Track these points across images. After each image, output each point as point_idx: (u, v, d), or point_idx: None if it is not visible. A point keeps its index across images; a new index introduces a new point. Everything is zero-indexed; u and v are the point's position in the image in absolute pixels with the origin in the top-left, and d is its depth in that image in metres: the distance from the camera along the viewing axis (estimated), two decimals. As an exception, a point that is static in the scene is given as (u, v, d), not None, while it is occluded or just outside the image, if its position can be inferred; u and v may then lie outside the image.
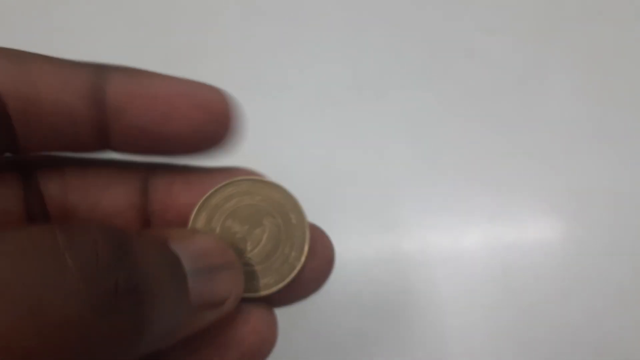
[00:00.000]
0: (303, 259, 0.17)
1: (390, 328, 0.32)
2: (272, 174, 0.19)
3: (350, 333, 0.31)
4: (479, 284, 0.32)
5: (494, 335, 0.31)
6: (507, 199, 0.34)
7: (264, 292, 0.17)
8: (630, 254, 0.32)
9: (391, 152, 0.35)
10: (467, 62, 0.37)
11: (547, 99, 0.36)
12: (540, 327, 0.31)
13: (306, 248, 0.17)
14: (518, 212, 0.34)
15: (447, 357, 0.31)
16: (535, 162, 0.35)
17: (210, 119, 0.17)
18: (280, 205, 0.17)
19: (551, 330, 0.31)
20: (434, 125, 0.36)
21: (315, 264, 0.17)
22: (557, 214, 0.34)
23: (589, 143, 0.35)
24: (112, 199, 0.18)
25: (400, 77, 0.37)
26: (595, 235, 0.33)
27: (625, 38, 0.37)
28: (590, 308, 0.31)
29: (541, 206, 0.34)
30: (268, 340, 0.17)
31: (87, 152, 0.17)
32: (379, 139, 0.36)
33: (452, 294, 0.32)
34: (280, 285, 0.17)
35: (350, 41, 0.38)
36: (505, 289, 0.32)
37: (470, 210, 0.34)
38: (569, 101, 0.36)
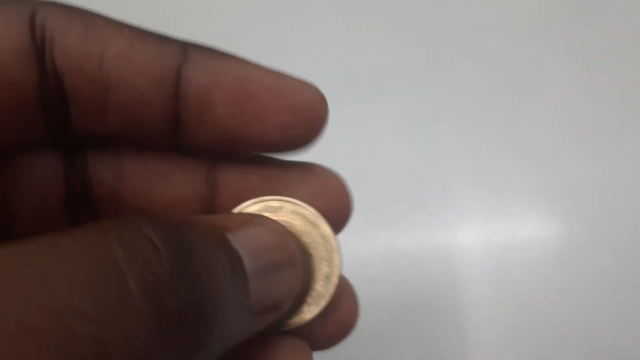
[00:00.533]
0: (334, 281, 0.15)
1: (385, 325, 0.32)
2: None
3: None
4: (474, 281, 0.32)
5: (489, 332, 0.31)
6: (503, 197, 0.34)
7: (298, 322, 0.15)
8: (625, 251, 0.33)
9: (387, 150, 0.35)
10: (463, 61, 0.37)
11: (542, 98, 0.36)
12: (535, 324, 0.31)
13: (335, 278, 0.15)
14: (513, 210, 0.34)
15: (443, 353, 0.31)
16: (531, 160, 0.35)
17: (304, 124, 0.15)
18: (317, 243, 0.15)
19: (546, 327, 0.31)
20: (430, 123, 0.36)
21: (339, 317, 0.16)
22: (553, 212, 0.34)
23: (584, 141, 0.35)
24: (174, 187, 0.16)
25: (396, 76, 0.37)
26: (590, 233, 0.33)
27: (621, 36, 0.37)
28: (585, 305, 0.32)
29: (536, 204, 0.34)
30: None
31: (153, 148, 0.15)
32: (375, 137, 0.36)
33: (447, 291, 0.32)
34: (313, 314, 0.15)
35: (345, 40, 0.38)
36: (501, 286, 0.32)
37: (465, 207, 0.34)
38: (565, 99, 0.36)
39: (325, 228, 0.15)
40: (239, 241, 0.12)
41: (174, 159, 0.15)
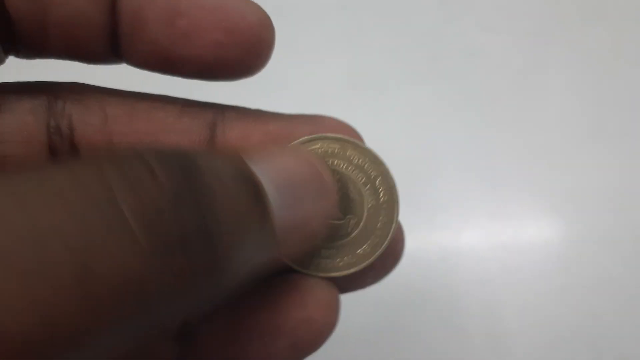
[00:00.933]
0: (386, 243, 0.15)
1: (388, 324, 0.32)
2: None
3: (349, 329, 0.31)
4: (478, 283, 0.32)
5: (492, 333, 0.31)
6: (506, 198, 0.34)
7: (336, 273, 0.15)
8: (629, 253, 0.32)
9: (389, 150, 0.35)
10: (467, 61, 0.37)
11: (546, 98, 0.36)
12: (538, 325, 0.31)
13: (391, 232, 0.15)
14: (517, 211, 0.34)
15: (445, 353, 0.31)
16: (534, 161, 0.35)
17: (240, 45, 0.14)
18: (369, 177, 0.15)
19: (549, 328, 0.31)
20: (433, 123, 0.36)
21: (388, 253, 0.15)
22: (556, 212, 0.34)
23: (587, 142, 0.35)
24: (172, 136, 0.15)
25: (399, 76, 0.37)
26: (593, 235, 0.33)
27: (624, 38, 0.37)
28: (588, 306, 0.32)
29: (540, 205, 0.34)
30: (324, 331, 0.14)
31: (98, 63, 0.15)
32: (378, 137, 0.36)
33: (450, 291, 0.32)
34: (357, 267, 0.15)
35: (349, 39, 0.38)
36: (504, 287, 0.32)
37: (469, 208, 0.34)
38: (568, 100, 0.36)
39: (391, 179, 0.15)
40: (261, 167, 0.11)
41: (175, 114, 0.15)
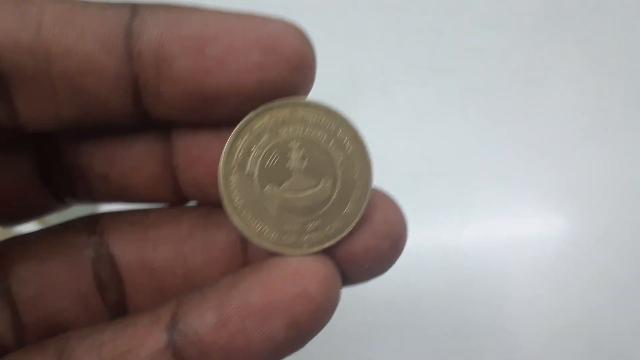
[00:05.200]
0: (369, 191, 0.14)
1: (390, 321, 0.32)
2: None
3: (350, 326, 0.31)
4: (479, 279, 0.32)
5: (493, 328, 0.32)
6: (507, 195, 0.34)
7: (330, 242, 0.14)
8: (630, 248, 0.33)
9: (391, 148, 0.35)
10: (466, 58, 0.37)
11: (546, 95, 0.36)
12: (538, 320, 0.32)
13: (371, 178, 0.14)
14: (517, 207, 0.34)
15: (447, 349, 0.31)
16: (535, 157, 0.35)
17: (282, 64, 0.12)
18: (330, 132, 0.14)
19: (549, 323, 0.32)
20: (435, 121, 0.36)
21: (373, 233, 0.14)
22: (557, 209, 0.34)
23: (589, 138, 0.35)
24: (128, 150, 0.15)
25: (399, 73, 0.37)
26: (593, 230, 0.33)
27: (625, 33, 0.38)
28: (589, 302, 0.32)
29: (541, 201, 0.34)
30: (324, 307, 0.13)
31: (119, 125, 0.14)
32: (379, 136, 0.36)
33: (452, 288, 0.32)
34: (349, 228, 0.14)
35: (349, 37, 0.38)
36: (504, 283, 0.32)
37: (469, 205, 0.34)
38: (568, 96, 0.36)
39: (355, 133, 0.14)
40: None
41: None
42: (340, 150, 0.14)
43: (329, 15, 0.38)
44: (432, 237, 0.33)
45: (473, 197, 0.34)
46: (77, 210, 0.17)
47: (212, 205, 0.15)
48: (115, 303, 0.15)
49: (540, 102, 0.36)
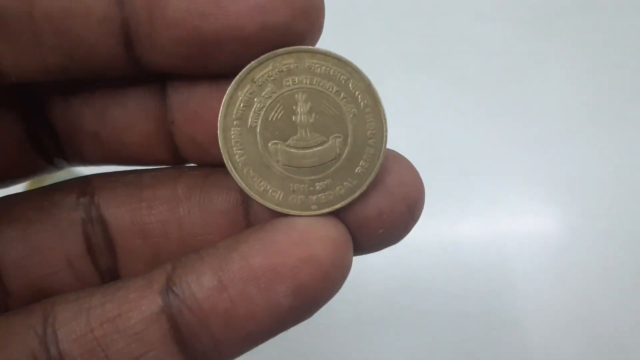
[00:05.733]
0: (383, 150, 0.13)
1: (387, 313, 0.31)
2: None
3: (346, 319, 0.31)
4: (475, 272, 0.32)
5: (489, 321, 0.31)
6: (504, 187, 0.34)
7: (341, 203, 0.13)
8: (625, 242, 0.32)
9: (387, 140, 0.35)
10: (463, 50, 0.37)
11: (544, 87, 0.36)
12: (535, 313, 0.31)
13: (385, 137, 0.13)
14: (514, 200, 0.33)
15: (443, 340, 0.31)
16: (532, 151, 0.35)
17: (286, 7, 0.11)
18: (340, 84, 0.13)
19: (546, 316, 0.31)
20: (430, 114, 0.36)
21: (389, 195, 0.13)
22: (553, 202, 0.34)
23: (585, 132, 0.35)
24: (120, 106, 0.14)
25: (396, 66, 0.37)
26: (590, 223, 0.33)
27: (621, 27, 0.37)
28: (585, 295, 0.31)
29: (537, 194, 0.34)
30: (332, 272, 0.12)
31: (108, 72, 0.13)
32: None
33: (449, 281, 0.32)
34: (361, 189, 0.13)
35: (345, 29, 0.38)
36: (501, 275, 0.32)
37: (466, 198, 0.34)
38: (566, 89, 0.36)
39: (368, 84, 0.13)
40: None
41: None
42: (352, 104, 0.13)
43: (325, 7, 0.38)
44: (429, 231, 0.33)
45: (470, 191, 0.34)
46: (70, 173, 0.16)
47: (212, 166, 0.14)
48: (107, 269, 0.14)
49: (538, 95, 0.36)
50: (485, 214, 0.33)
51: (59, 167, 0.16)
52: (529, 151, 0.34)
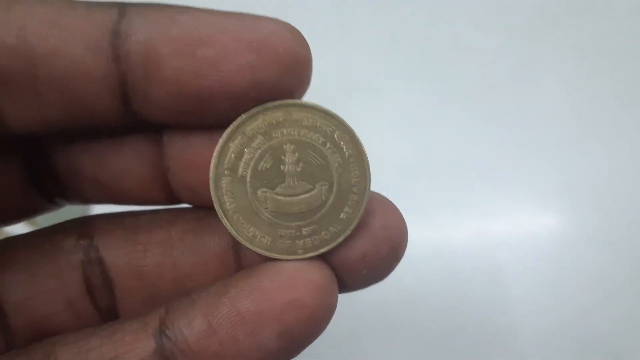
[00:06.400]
0: (366, 197, 0.14)
1: (381, 323, 0.32)
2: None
3: (341, 326, 0.31)
4: (470, 278, 0.32)
5: (484, 328, 0.31)
6: (498, 194, 0.34)
7: (325, 247, 0.14)
8: (620, 248, 0.33)
9: (382, 148, 0.35)
10: (458, 59, 0.37)
11: (537, 95, 0.36)
12: (529, 320, 0.31)
13: (368, 184, 0.14)
14: (509, 207, 0.34)
15: (438, 349, 0.31)
16: (526, 157, 0.35)
17: (275, 64, 0.12)
18: (326, 135, 0.13)
19: (540, 322, 0.31)
20: (425, 121, 0.36)
21: (373, 240, 0.14)
22: (548, 209, 0.34)
23: (579, 138, 0.35)
24: (119, 153, 0.14)
25: (391, 75, 0.37)
26: (585, 230, 0.33)
27: (616, 33, 0.37)
28: (580, 301, 0.32)
29: (532, 201, 0.34)
30: (317, 315, 0.13)
31: (107, 124, 0.13)
32: (370, 136, 0.36)
33: (443, 288, 0.32)
34: (345, 234, 0.13)
35: (340, 38, 0.38)
36: (496, 282, 0.32)
37: (461, 205, 0.34)
38: (560, 96, 0.36)
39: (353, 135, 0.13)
40: None
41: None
42: (337, 154, 0.14)
43: (320, 16, 0.38)
44: (424, 236, 0.33)
45: (465, 197, 0.34)
46: (70, 210, 0.17)
47: (205, 208, 0.15)
48: (105, 308, 0.15)
49: (532, 102, 0.36)
50: (481, 220, 0.33)
51: (59, 206, 0.16)
52: (523, 158, 0.35)
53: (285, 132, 0.13)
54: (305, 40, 0.12)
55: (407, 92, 0.37)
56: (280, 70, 0.12)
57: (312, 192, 0.14)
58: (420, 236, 0.33)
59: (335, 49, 0.37)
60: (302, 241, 0.14)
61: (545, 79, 0.37)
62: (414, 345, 0.31)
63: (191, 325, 0.13)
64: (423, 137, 0.35)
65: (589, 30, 0.38)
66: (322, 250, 0.14)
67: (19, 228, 0.16)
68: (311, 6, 0.38)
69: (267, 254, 0.14)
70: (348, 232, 0.14)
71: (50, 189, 0.16)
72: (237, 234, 0.14)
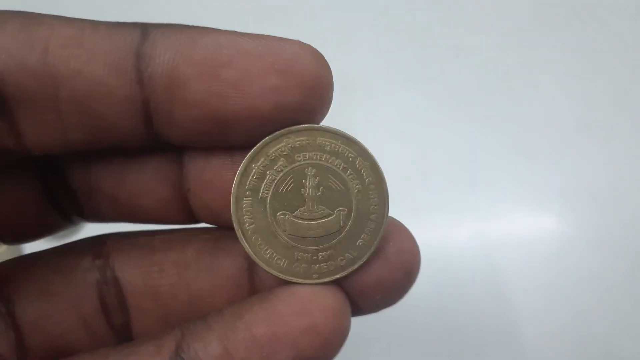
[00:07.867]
0: (384, 225, 0.14)
1: (378, 325, 0.31)
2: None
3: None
4: (468, 280, 0.32)
5: (482, 330, 0.31)
6: (495, 196, 0.34)
7: (341, 273, 0.14)
8: (617, 249, 0.32)
9: (379, 151, 0.35)
10: (455, 61, 0.37)
11: (534, 97, 0.36)
12: (526, 321, 0.31)
13: (386, 212, 0.14)
14: (505, 209, 0.34)
15: (435, 351, 0.31)
16: (523, 160, 0.35)
17: (299, 86, 0.12)
18: (347, 161, 0.14)
19: (538, 324, 0.31)
20: (423, 123, 0.36)
21: (388, 266, 0.14)
22: (544, 211, 0.34)
23: (576, 140, 0.35)
24: (138, 172, 0.14)
25: (388, 78, 0.37)
26: (584, 231, 0.33)
27: (613, 36, 0.38)
28: (577, 303, 0.31)
29: (528, 203, 0.34)
30: (332, 340, 0.13)
31: (129, 147, 0.13)
32: (368, 139, 0.36)
33: (440, 290, 0.32)
34: (361, 260, 0.14)
35: (338, 41, 0.38)
36: (493, 285, 0.32)
37: (458, 207, 0.34)
38: (556, 99, 0.36)
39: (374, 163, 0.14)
40: None
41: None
42: (357, 180, 0.14)
43: (317, 20, 0.38)
44: (422, 238, 0.33)
45: (464, 199, 0.34)
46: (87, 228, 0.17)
47: (223, 228, 0.15)
48: (120, 327, 0.15)
49: (530, 104, 0.36)
50: (479, 222, 0.33)
51: (75, 224, 0.16)
52: (521, 160, 0.35)
53: (307, 156, 0.14)
54: (327, 62, 0.13)
55: (405, 95, 0.37)
56: (303, 93, 0.12)
57: (331, 218, 0.14)
58: (419, 238, 0.33)
59: (333, 53, 0.37)
60: (317, 266, 0.14)
61: (542, 81, 0.37)
62: (413, 346, 0.31)
63: (207, 349, 0.13)
64: (421, 139, 0.36)
65: (585, 33, 0.38)
66: (338, 276, 0.14)
67: (36, 245, 0.16)
68: (310, 11, 0.38)
69: (282, 276, 0.14)
70: (364, 259, 0.14)
71: (67, 206, 0.15)
72: (254, 255, 0.14)
